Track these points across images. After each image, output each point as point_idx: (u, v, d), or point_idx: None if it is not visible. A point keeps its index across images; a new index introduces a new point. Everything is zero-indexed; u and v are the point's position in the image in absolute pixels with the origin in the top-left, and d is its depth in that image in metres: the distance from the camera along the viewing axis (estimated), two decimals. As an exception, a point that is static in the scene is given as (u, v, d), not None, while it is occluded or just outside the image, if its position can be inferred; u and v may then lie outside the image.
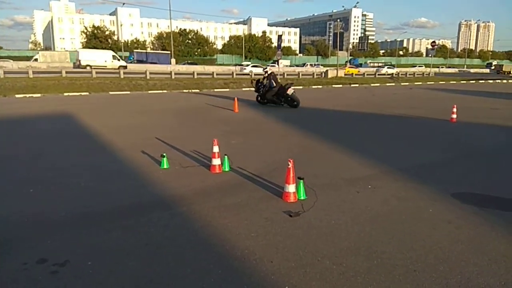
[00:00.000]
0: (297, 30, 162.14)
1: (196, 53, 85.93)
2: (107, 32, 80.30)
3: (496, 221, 4.09)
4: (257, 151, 7.51)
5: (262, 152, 7.35)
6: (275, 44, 66.48)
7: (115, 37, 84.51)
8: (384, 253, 3.36)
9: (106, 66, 43.77)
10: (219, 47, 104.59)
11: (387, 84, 34.44)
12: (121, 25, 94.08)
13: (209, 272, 3.00)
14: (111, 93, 20.36)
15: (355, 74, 45.77)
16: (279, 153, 7.13)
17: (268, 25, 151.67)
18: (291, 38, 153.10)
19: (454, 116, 11.58)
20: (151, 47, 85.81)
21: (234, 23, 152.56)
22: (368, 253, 3.35)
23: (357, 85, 32.28)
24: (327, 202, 4.59)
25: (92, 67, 39.99)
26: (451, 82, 38.63)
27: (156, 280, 2.90)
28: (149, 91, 22.10)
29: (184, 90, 23.47)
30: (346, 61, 70.70)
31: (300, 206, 4.41)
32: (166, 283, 2.87)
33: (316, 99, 18.91)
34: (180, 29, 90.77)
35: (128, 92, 21.17)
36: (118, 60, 46.87)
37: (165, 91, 22.67)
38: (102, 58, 45.50)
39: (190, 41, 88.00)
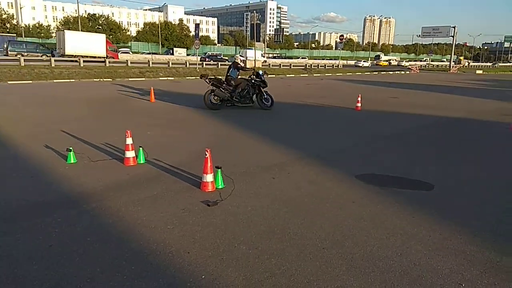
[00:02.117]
0: (215, 19, 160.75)
1: (108, 40, 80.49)
2: (4, 16, 71.35)
3: (395, 199, 4.54)
4: (175, 142, 7.34)
5: (180, 143, 7.22)
6: (193, 33, 65.12)
7: (14, 21, 75.44)
8: (296, 234, 3.54)
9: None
10: (134, 34, 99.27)
11: (301, 75, 36.06)
12: (21, 8, 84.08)
13: (121, 269, 2.87)
14: (9, 82, 18.22)
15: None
16: (197, 143, 7.06)
17: (185, 13, 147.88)
18: (209, 27, 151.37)
19: (359, 104, 12.58)
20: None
21: (149, 9, 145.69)
22: (282, 235, 3.50)
23: (273, 76, 33.19)
24: (244, 189, 4.68)
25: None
26: (357, 73, 41.78)
27: (62, 284, 2.69)
28: (55, 80, 20.23)
29: (95, 79, 21.93)
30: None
31: (218, 195, 4.43)
32: (74, 284, 2.68)
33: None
34: (89, 13, 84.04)
35: (30, 82, 19.15)
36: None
37: (73, 80, 20.95)
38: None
39: (100, 27, 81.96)
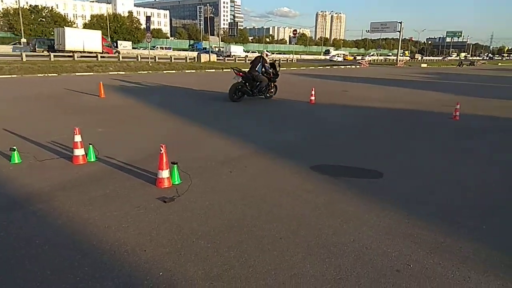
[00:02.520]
0: (167, 12, 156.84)
1: (53, 33, 75.94)
2: None
3: (348, 187, 4.72)
4: (128, 138, 7.12)
5: (133, 139, 7.01)
6: (144, 26, 63.00)
7: None
8: (254, 226, 3.58)
9: None
10: (80, 26, 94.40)
11: (257, 69, 36.16)
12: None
13: (74, 271, 2.76)
14: None
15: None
16: (152, 139, 6.89)
17: (134, 5, 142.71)
18: (161, 20, 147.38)
19: (313, 98, 12.87)
20: (-5, 25, 72.67)
21: (96, 1, 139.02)
22: (240, 228, 3.53)
23: (229, 70, 33.03)
24: (202, 184, 4.64)
25: None
26: (311, 67, 42.66)
27: (7, 290, 2.53)
28: (-7, 76, 18.80)
29: (39, 74, 20.64)
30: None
31: (174, 191, 4.36)
32: (21, 291, 2.53)
33: (191, 84, 18.76)
34: (31, 5, 78.71)
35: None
36: None
37: (15, 75, 19.58)
38: None
39: (44, 20, 77.07)
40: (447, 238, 3.46)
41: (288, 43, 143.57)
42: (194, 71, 29.87)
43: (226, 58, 45.82)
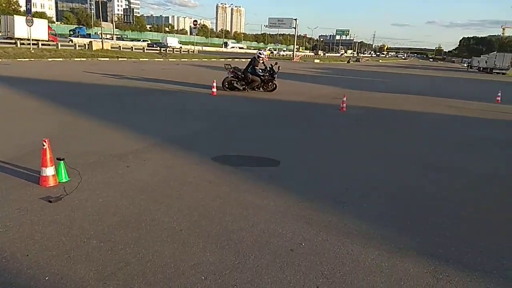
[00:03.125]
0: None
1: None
2: None
3: (247, 176, 4.87)
4: (7, 133, 6.28)
5: (11, 135, 6.21)
6: (24, 8, 55.38)
7: None
8: (153, 220, 3.48)
9: None
10: None
11: (156, 60, 34.89)
12: None
13: None
14: None
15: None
16: (35, 133, 6.18)
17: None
18: (44, 2, 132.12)
19: (215, 90, 12.91)
20: None
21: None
22: (138, 223, 3.40)
23: (125, 59, 31.28)
24: (94, 181, 4.34)
25: None
26: (212, 59, 42.69)
27: None
28: None
29: None
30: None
31: (62, 189, 3.99)
32: None
33: (79, 74, 17.25)
34: None
35: None
36: None
37: None
38: None
39: None
40: (334, 217, 3.81)
41: (189, 33, 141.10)
42: (84, 59, 27.53)
43: (162, 49, 44.81)
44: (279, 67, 14.12)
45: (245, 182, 4.63)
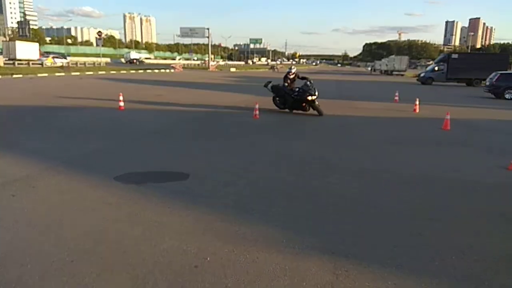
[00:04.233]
0: None
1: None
2: None
3: (153, 194, 4.64)
4: None
5: None
6: None
7: None
8: (40, 253, 3.11)
9: None
10: None
11: (57, 74, 32.29)
12: None
13: None
14: None
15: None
16: None
17: None
18: None
19: (122, 104, 12.28)
20: None
21: None
22: (21, 259, 3.00)
23: (21, 75, 28.41)
24: (-31, 216, 3.77)
25: None
26: (122, 71, 40.81)
27: None
28: None
29: None
30: None
31: None
32: None
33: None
34: None
35: None
36: None
37: None
38: None
39: None
40: (241, 226, 3.80)
41: (95, 45, 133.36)
42: (-29, 77, 24.36)
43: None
44: (309, 81, 12.33)
45: (150, 200, 4.42)
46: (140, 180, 5.21)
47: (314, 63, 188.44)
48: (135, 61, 72.89)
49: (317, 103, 12.44)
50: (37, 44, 52.22)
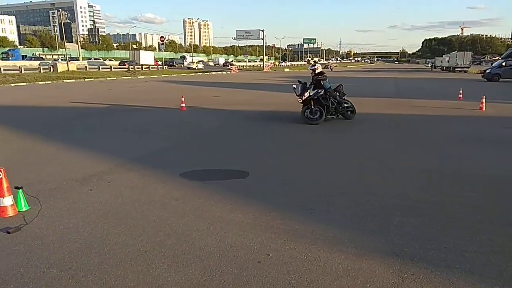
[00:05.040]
0: (13, 18, 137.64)
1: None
2: None
3: (215, 190, 4.83)
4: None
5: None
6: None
7: None
8: (116, 244, 3.39)
9: None
10: None
11: (124, 78, 34.44)
12: None
13: None
14: None
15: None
16: (-7, 163, 5.94)
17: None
18: (6, 27, 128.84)
19: (183, 105, 12.85)
20: None
21: None
22: (100, 248, 3.30)
23: (92, 79, 30.72)
24: (55, 207, 4.20)
25: None
26: (182, 74, 42.53)
27: None
28: None
29: None
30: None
31: (21, 219, 3.85)
32: None
33: (43, 97, 16.78)
34: None
35: None
36: None
37: None
38: None
39: None
40: (301, 224, 3.83)
41: (157, 50, 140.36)
42: (49, 82, 26.86)
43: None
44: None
45: (213, 197, 4.60)
46: (203, 177, 5.44)
47: (369, 61, 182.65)
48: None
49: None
50: (152, 53, 69.34)
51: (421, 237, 3.59)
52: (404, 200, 4.56)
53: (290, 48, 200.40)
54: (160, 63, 58.83)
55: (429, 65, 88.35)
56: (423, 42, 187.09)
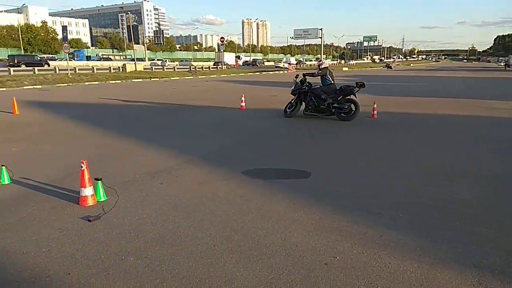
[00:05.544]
0: (86, 21, 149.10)
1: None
2: None
3: (278, 189, 4.86)
4: (47, 156, 6.62)
5: (53, 157, 6.54)
6: (61, 36, 58.86)
7: None
8: (187, 236, 3.53)
9: None
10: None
11: (186, 78, 35.80)
12: None
13: (-14, 307, 2.50)
14: None
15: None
16: (73, 156, 6.47)
17: (49, 14, 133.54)
18: (80, 29, 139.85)
19: (243, 104, 13.07)
20: None
21: (5, 11, 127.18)
22: (173, 239, 3.46)
23: (157, 79, 32.32)
24: (130, 199, 4.48)
25: None
26: (241, 74, 43.24)
27: None
28: None
29: None
30: None
31: (100, 208, 4.15)
32: None
33: (116, 95, 17.96)
34: None
35: None
36: None
37: None
38: None
39: None
40: (369, 228, 3.72)
41: (217, 50, 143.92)
42: (119, 81, 28.69)
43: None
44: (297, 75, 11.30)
45: (276, 195, 4.62)
46: (265, 175, 5.49)
47: (434, 59, 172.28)
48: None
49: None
50: (234, 54, 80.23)
51: (501, 249, 3.32)
52: (481, 209, 4.24)
53: (349, 47, 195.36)
54: (240, 63, 69.82)
55: (502, 64, 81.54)
56: (495, 39, 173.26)
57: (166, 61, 68.12)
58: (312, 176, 5.43)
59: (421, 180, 5.30)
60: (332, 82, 10.88)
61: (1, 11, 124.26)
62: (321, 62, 11.79)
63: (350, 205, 4.34)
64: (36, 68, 32.40)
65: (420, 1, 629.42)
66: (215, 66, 57.00)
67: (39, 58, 47.07)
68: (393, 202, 4.45)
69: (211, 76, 39.39)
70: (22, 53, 69.10)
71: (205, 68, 53.18)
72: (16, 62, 39.55)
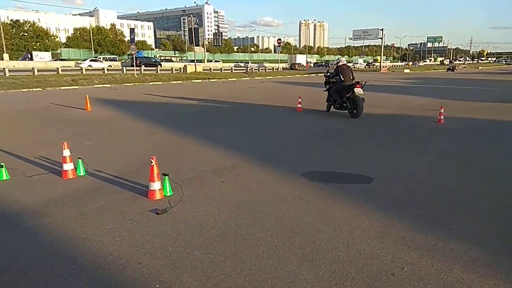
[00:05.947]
0: (151, 24, 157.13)
1: (35, 47, 75.19)
2: None
3: (338, 193, 4.77)
4: (117, 151, 7.07)
5: (123, 152, 6.96)
6: (128, 38, 62.85)
7: None
8: (248, 234, 3.59)
9: None
10: (63, 40, 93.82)
11: (243, 79, 36.38)
12: None
13: (69, 287, 2.72)
14: None
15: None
16: (142, 151, 6.86)
17: (118, 17, 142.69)
18: (145, 32, 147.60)
19: (300, 105, 12.99)
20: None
21: (79, 14, 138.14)
22: (235, 237, 3.53)
23: (215, 80, 33.19)
24: (193, 195, 4.64)
25: None
26: (296, 75, 43.05)
27: (1, 310, 2.49)
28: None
29: (23, 89, 20.38)
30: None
31: (167, 202, 4.35)
32: (15, 310, 2.49)
33: (178, 94, 18.74)
34: (12, 20, 78.13)
35: None
36: None
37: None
38: None
39: (26, 34, 76.52)
40: (438, 240, 3.52)
41: (273, 52, 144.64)
42: (180, 82, 29.87)
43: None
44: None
45: (336, 199, 4.54)
46: (324, 178, 5.41)
47: (504, 61, 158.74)
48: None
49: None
50: (305, 56, 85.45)
51: None
52: None
53: (411, 48, 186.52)
54: (311, 64, 76.16)
55: None
56: None
57: (261, 63, 75.23)
58: (374, 182, 5.25)
59: (498, 192, 4.91)
60: (343, 80, 11.33)
61: (75, 15, 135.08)
62: (339, 60, 12.45)
63: (417, 214, 4.14)
64: (158, 68, 38.09)
65: (491, 0, 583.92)
66: (291, 68, 62.26)
67: (154, 59, 51.97)
68: (465, 213, 4.17)
69: (267, 77, 39.67)
70: (93, 54, 74.54)
71: (275, 69, 54.91)
72: (138, 63, 42.71)
